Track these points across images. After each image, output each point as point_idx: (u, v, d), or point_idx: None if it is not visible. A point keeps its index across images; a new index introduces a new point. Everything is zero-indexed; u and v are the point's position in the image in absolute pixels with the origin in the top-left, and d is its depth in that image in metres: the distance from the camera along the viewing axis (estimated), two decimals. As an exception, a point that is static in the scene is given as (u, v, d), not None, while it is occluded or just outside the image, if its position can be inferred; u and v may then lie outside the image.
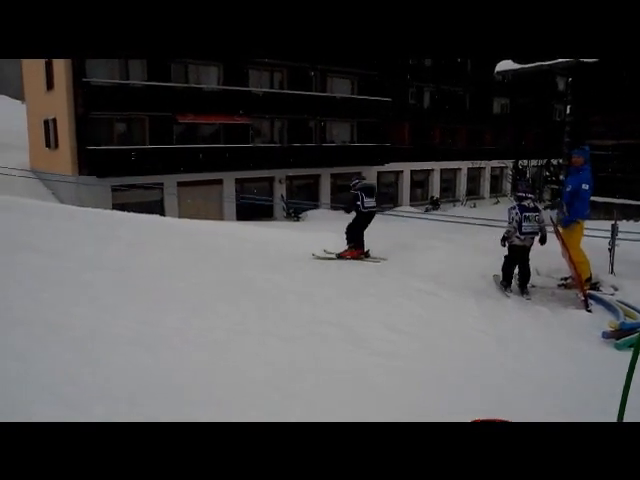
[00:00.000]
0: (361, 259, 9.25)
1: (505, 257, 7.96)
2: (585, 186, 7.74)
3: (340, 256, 9.27)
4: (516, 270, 7.97)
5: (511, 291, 7.87)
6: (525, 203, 7.71)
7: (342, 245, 9.72)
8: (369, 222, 9.44)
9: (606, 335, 6.13)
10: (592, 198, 8.00)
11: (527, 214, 7.61)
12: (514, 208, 7.73)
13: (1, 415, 3.48)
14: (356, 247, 9.41)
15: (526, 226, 7.62)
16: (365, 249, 9.48)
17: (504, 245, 7.88)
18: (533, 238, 7.75)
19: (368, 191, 9.44)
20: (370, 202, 9.35)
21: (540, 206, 8.07)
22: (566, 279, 8.19)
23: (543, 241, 7.72)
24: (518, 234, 7.64)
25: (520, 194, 7.89)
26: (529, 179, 35.27)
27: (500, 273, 8.09)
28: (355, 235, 9.43)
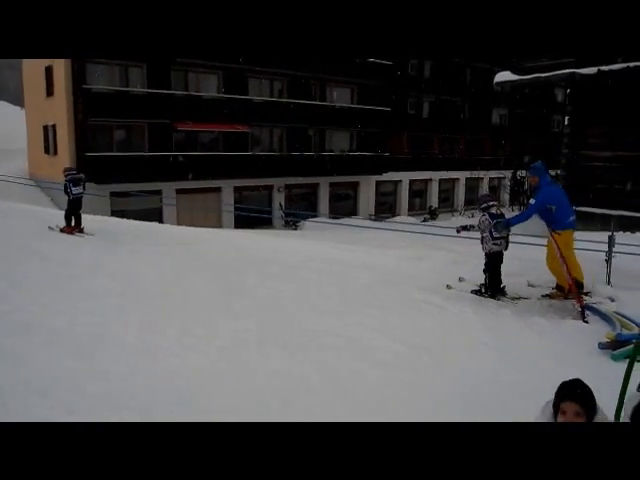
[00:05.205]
0: (74, 234, 11.40)
1: (489, 270, 8.16)
2: (531, 200, 8.02)
3: (61, 231, 11.48)
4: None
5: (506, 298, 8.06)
6: (492, 211, 8.17)
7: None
8: (77, 204, 11.87)
9: (602, 346, 6.16)
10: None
11: (496, 220, 8.03)
12: (484, 216, 8.14)
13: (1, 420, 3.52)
14: (69, 225, 11.65)
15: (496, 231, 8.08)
16: (82, 227, 11.78)
17: (458, 232, 8.36)
18: (506, 241, 8.16)
19: (75, 181, 11.91)
20: (76, 190, 11.85)
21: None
22: (553, 289, 8.24)
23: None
24: (493, 241, 8.03)
25: (484, 205, 8.29)
26: (526, 190, 35.34)
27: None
28: (68, 215, 11.72)
